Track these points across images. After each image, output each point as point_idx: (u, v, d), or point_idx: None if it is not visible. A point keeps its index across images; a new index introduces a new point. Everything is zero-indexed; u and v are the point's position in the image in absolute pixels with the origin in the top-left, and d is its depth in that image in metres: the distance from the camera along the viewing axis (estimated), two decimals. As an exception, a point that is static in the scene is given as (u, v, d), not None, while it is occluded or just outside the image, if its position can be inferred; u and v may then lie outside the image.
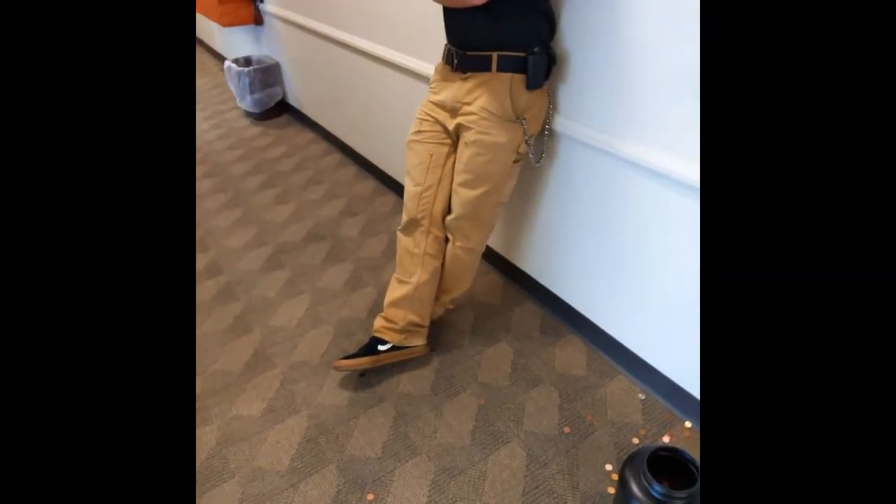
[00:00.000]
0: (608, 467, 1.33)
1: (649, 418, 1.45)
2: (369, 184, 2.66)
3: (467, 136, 1.32)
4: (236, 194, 2.61)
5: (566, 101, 1.41)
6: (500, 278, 1.97)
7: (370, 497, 1.29)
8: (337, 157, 2.94)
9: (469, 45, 1.26)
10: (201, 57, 4.87)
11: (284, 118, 3.45)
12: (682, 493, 1.05)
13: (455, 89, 1.31)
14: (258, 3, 3.14)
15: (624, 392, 1.53)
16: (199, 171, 2.86)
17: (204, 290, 1.97)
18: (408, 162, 1.46)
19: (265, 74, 3.26)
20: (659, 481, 1.07)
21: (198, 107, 3.69)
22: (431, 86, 1.41)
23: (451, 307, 1.81)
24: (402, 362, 1.61)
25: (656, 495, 1.05)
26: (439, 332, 1.73)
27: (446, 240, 1.52)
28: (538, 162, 1.52)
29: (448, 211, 1.47)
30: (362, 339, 1.63)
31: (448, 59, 1.33)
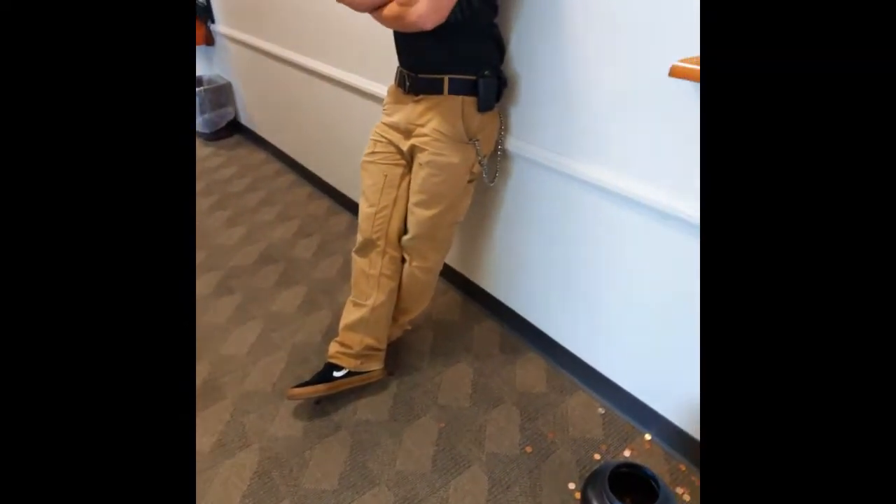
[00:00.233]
0: (571, 486, 1.33)
1: (610, 432, 1.46)
2: (323, 203, 2.62)
3: (421, 157, 1.31)
4: (184, 217, 2.51)
5: (518, 122, 1.43)
6: (459, 296, 1.96)
7: (328, 532, 1.24)
8: (290, 176, 2.89)
9: (421, 68, 1.26)
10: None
11: (236, 138, 3.36)
12: (643, 510, 1.05)
13: (408, 111, 1.31)
14: (209, 24, 3.08)
15: (584, 407, 1.54)
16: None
17: (148, 319, 1.87)
18: (362, 183, 1.44)
19: (216, 94, 3.19)
20: (621, 498, 1.07)
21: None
22: (384, 108, 1.41)
23: (408, 328, 1.78)
24: (359, 388, 1.56)
25: (618, 514, 1.04)
26: (397, 355, 1.70)
27: (403, 260, 1.51)
28: (492, 181, 1.53)
29: (404, 231, 1.45)
30: (317, 366, 1.58)
31: (400, 81, 1.33)
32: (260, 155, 3.14)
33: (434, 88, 1.25)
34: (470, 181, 1.40)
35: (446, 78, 1.23)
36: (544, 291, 1.61)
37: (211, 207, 2.60)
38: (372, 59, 1.89)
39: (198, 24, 3.06)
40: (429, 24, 1.08)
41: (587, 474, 1.24)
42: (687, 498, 1.31)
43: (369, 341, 1.51)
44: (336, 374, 1.50)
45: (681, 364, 1.29)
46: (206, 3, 3.00)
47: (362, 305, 1.49)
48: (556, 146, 1.36)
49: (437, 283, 1.61)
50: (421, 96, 1.28)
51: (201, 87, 3.13)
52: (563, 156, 1.35)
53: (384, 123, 1.39)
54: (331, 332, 1.78)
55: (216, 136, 3.31)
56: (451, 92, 1.24)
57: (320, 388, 1.48)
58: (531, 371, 1.65)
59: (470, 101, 1.26)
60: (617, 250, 1.33)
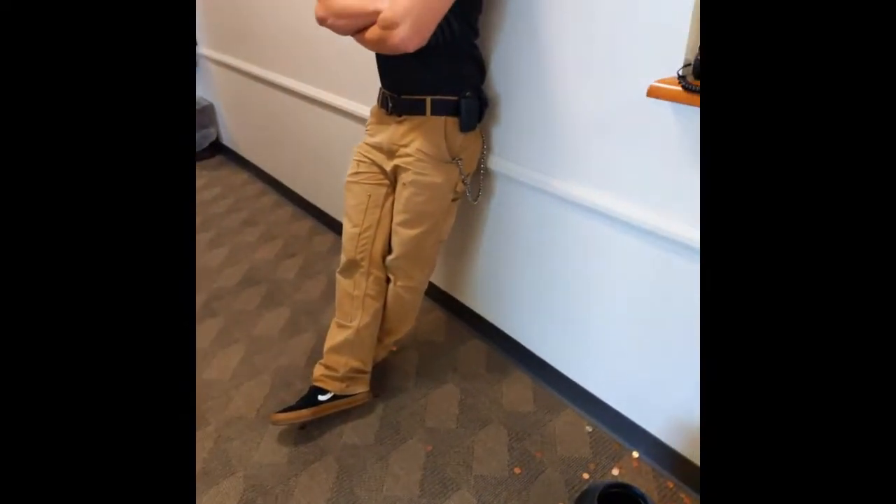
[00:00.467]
0: (560, 507, 1.31)
1: (598, 451, 1.45)
2: (306, 223, 2.60)
3: (405, 177, 1.32)
4: (165, 239, 2.48)
5: (500, 141, 1.44)
6: (444, 315, 1.95)
7: (313, 562, 1.20)
8: (273, 197, 2.87)
9: (403, 90, 1.27)
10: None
11: (218, 159, 3.34)
12: (633, 531, 1.04)
13: (391, 132, 1.31)
14: (195, 50, 3.08)
15: (571, 426, 1.53)
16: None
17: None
18: (346, 203, 1.43)
19: (199, 115, 3.17)
20: (610, 519, 1.06)
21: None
22: (367, 128, 1.41)
23: (394, 349, 1.77)
24: (345, 411, 1.54)
25: (608, 535, 1.03)
26: (383, 377, 1.68)
27: (387, 280, 1.50)
28: (475, 200, 1.53)
29: (388, 251, 1.44)
30: (301, 389, 1.56)
31: (383, 102, 1.34)
32: (242, 175, 3.12)
33: (417, 109, 1.26)
34: (454, 200, 1.41)
35: (428, 99, 1.24)
36: (529, 309, 1.61)
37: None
38: (354, 81, 1.90)
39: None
40: (411, 47, 1.09)
41: (576, 495, 1.23)
42: (677, 515, 1.30)
43: (354, 363, 1.49)
44: (321, 397, 1.48)
45: (667, 380, 1.29)
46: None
47: (347, 327, 1.47)
48: (537, 165, 1.37)
49: (422, 303, 1.60)
50: (404, 117, 1.28)
51: (183, 109, 3.11)
52: (545, 174, 1.36)
53: (367, 144, 1.39)
54: (315, 355, 1.75)
55: (199, 156, 3.28)
56: (433, 113, 1.25)
57: (305, 413, 1.45)
58: (518, 390, 1.64)
59: (452, 121, 1.27)
60: (600, 267, 1.34)
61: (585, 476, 1.39)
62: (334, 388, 1.48)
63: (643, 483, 1.37)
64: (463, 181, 1.37)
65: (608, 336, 1.40)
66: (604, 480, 1.34)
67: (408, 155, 1.29)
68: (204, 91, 3.24)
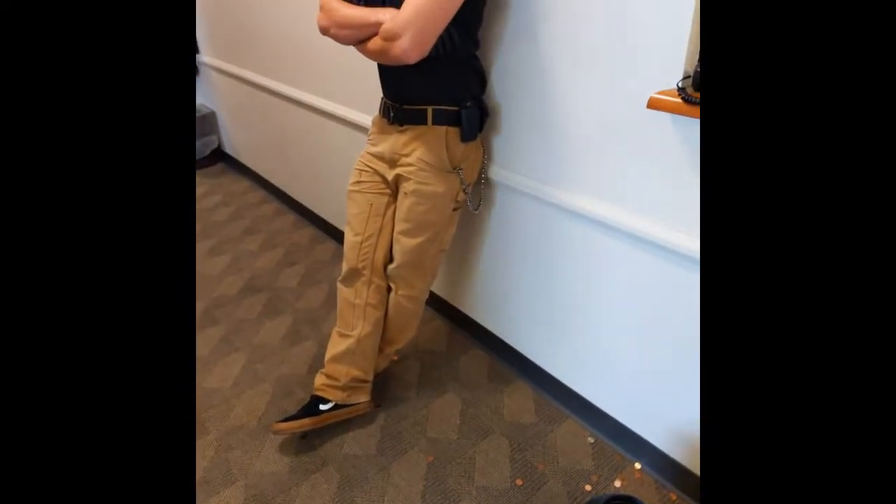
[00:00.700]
0: (562, 518, 1.31)
1: (600, 462, 1.45)
2: (308, 232, 2.60)
3: (406, 187, 1.32)
4: (166, 247, 2.48)
5: (500, 151, 1.45)
6: (446, 325, 1.95)
7: (313, 574, 1.20)
8: (274, 205, 2.87)
9: (405, 100, 1.27)
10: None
11: (220, 167, 3.35)
12: (636, 544, 1.03)
13: (392, 141, 1.32)
14: (195, 55, 3.09)
15: (573, 437, 1.52)
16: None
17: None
18: (348, 212, 1.44)
19: (201, 123, 3.19)
20: (612, 532, 1.05)
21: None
22: (370, 138, 1.41)
23: (395, 358, 1.76)
24: (346, 421, 1.53)
25: (610, 548, 1.03)
26: (384, 386, 1.67)
27: (388, 289, 1.49)
28: (476, 209, 1.53)
29: (390, 260, 1.44)
30: (303, 398, 1.55)
31: (384, 112, 1.34)
32: (244, 183, 3.13)
33: (418, 119, 1.26)
34: (455, 209, 1.41)
35: (430, 109, 1.24)
36: (530, 319, 1.61)
37: (196, 237, 2.57)
38: (356, 90, 1.91)
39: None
40: (412, 58, 1.10)
41: (579, 506, 1.22)
42: (680, 527, 1.29)
43: (356, 373, 1.48)
44: (322, 407, 1.47)
45: (669, 391, 1.29)
46: (190, 35, 3.03)
47: (348, 336, 1.47)
48: (538, 175, 1.37)
49: (423, 312, 1.59)
50: (405, 127, 1.29)
51: (185, 117, 3.13)
52: (546, 184, 1.36)
53: (369, 153, 1.40)
54: (316, 364, 1.75)
55: (200, 164, 3.29)
56: (434, 122, 1.25)
57: (306, 423, 1.45)
58: (519, 400, 1.64)
59: (453, 131, 1.27)
60: (601, 277, 1.34)
61: (588, 488, 1.38)
62: (336, 397, 1.48)
63: (646, 495, 1.36)
64: (464, 190, 1.37)
65: (610, 346, 1.40)
66: (606, 493, 1.34)
67: (409, 164, 1.29)
68: (206, 99, 3.25)
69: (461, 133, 1.27)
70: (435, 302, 1.97)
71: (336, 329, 1.50)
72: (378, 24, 1.10)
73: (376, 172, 1.38)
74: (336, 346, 1.49)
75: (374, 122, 1.41)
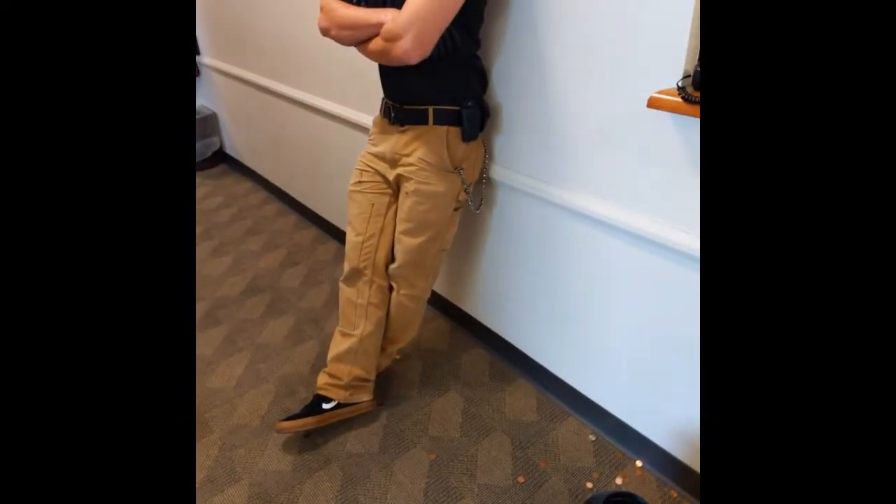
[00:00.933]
0: (564, 515, 1.31)
1: (601, 460, 1.45)
2: (310, 232, 2.61)
3: (407, 186, 1.33)
4: (169, 248, 2.49)
5: (502, 150, 1.46)
6: (447, 324, 1.96)
7: (317, 572, 1.20)
8: (276, 206, 2.88)
9: (406, 100, 1.28)
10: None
11: (221, 168, 3.36)
12: (637, 540, 1.04)
13: (393, 141, 1.33)
14: (195, 55, 3.11)
15: (575, 435, 1.53)
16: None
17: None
18: (349, 212, 1.44)
19: (202, 125, 3.20)
20: (614, 528, 1.06)
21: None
22: (370, 138, 1.42)
23: (397, 357, 1.77)
24: (349, 419, 1.54)
25: (612, 544, 1.03)
26: (387, 385, 1.68)
27: (390, 289, 1.50)
28: (478, 209, 1.54)
29: (391, 259, 1.45)
30: (306, 398, 1.56)
31: (385, 112, 1.35)
32: (246, 184, 3.14)
33: (419, 119, 1.27)
34: (456, 209, 1.42)
35: (431, 109, 1.25)
36: (532, 317, 1.61)
37: (198, 238, 2.58)
38: (357, 90, 1.92)
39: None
40: (413, 59, 1.10)
41: None
42: (681, 524, 1.30)
43: (358, 372, 1.49)
44: (325, 405, 1.48)
45: (669, 389, 1.29)
46: (192, 36, 3.04)
47: (350, 335, 1.48)
48: (539, 174, 1.38)
49: (425, 312, 1.60)
50: (406, 127, 1.29)
51: (187, 118, 3.14)
52: (547, 183, 1.37)
53: (370, 153, 1.40)
54: (319, 363, 1.76)
55: (202, 165, 3.31)
56: (435, 122, 1.26)
57: (309, 422, 1.46)
58: (521, 398, 1.64)
59: (454, 131, 1.28)
60: (602, 276, 1.35)
61: (589, 485, 1.38)
62: (338, 396, 1.49)
63: (647, 492, 1.36)
64: (465, 190, 1.38)
65: (611, 345, 1.41)
66: (607, 490, 1.34)
67: (410, 164, 1.30)
68: (207, 101, 3.26)
69: (462, 133, 1.28)
70: (436, 301, 1.97)
71: (338, 328, 1.51)
72: (379, 25, 1.10)
73: (377, 172, 1.39)
74: (338, 345, 1.50)
75: (374, 123, 1.42)
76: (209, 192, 3.05)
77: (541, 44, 1.24)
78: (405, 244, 1.39)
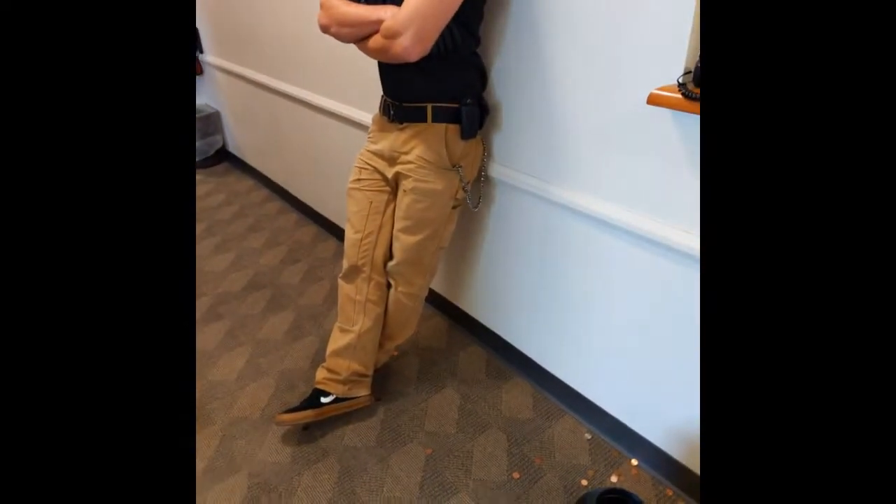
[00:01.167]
0: (558, 511, 1.32)
1: (596, 458, 1.46)
2: (310, 230, 2.63)
3: (406, 184, 1.34)
4: (171, 244, 2.51)
5: (500, 148, 1.47)
6: (445, 322, 1.97)
7: (313, 563, 1.22)
8: (277, 203, 2.90)
9: (405, 98, 1.29)
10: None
11: (224, 166, 3.39)
12: (629, 534, 1.04)
13: (392, 139, 1.34)
14: (198, 54, 3.13)
15: (570, 433, 1.53)
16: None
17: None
18: (348, 209, 1.46)
19: (205, 123, 3.22)
20: (606, 523, 1.06)
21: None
22: (369, 135, 1.43)
23: (395, 354, 1.78)
24: (347, 414, 1.56)
25: (604, 538, 1.04)
26: (384, 381, 1.69)
27: (388, 286, 1.52)
28: (476, 207, 1.55)
29: (389, 257, 1.46)
30: (305, 392, 1.58)
31: (385, 110, 1.36)
32: (248, 182, 3.16)
33: (418, 117, 1.28)
34: (454, 207, 1.43)
35: (430, 106, 1.26)
36: (529, 316, 1.62)
37: (200, 234, 2.60)
38: (357, 88, 1.93)
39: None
40: (413, 56, 1.11)
41: (574, 501, 1.24)
42: (674, 522, 1.30)
43: (356, 367, 1.50)
44: (323, 399, 1.50)
45: (666, 388, 1.30)
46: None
47: (349, 331, 1.49)
48: (538, 172, 1.39)
49: (423, 309, 1.61)
50: (405, 124, 1.31)
51: (191, 116, 3.16)
52: (546, 182, 1.38)
53: (369, 151, 1.42)
54: (318, 359, 1.77)
55: (205, 163, 3.33)
56: (434, 120, 1.27)
57: (308, 415, 1.47)
58: (517, 396, 1.65)
59: (453, 128, 1.29)
60: (600, 274, 1.36)
61: (584, 483, 1.39)
62: (336, 390, 1.50)
63: (642, 491, 1.37)
64: (463, 188, 1.39)
65: (608, 344, 1.41)
66: (601, 486, 1.35)
67: (409, 162, 1.31)
68: (210, 99, 3.29)
69: (461, 130, 1.29)
70: (434, 299, 1.99)
71: (337, 324, 1.53)
72: (379, 22, 1.12)
73: (376, 170, 1.40)
74: (337, 340, 1.51)
75: (374, 120, 1.43)
76: (211, 190, 3.07)
77: (541, 41, 1.25)
78: (403, 242, 1.40)
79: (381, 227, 1.42)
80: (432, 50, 1.13)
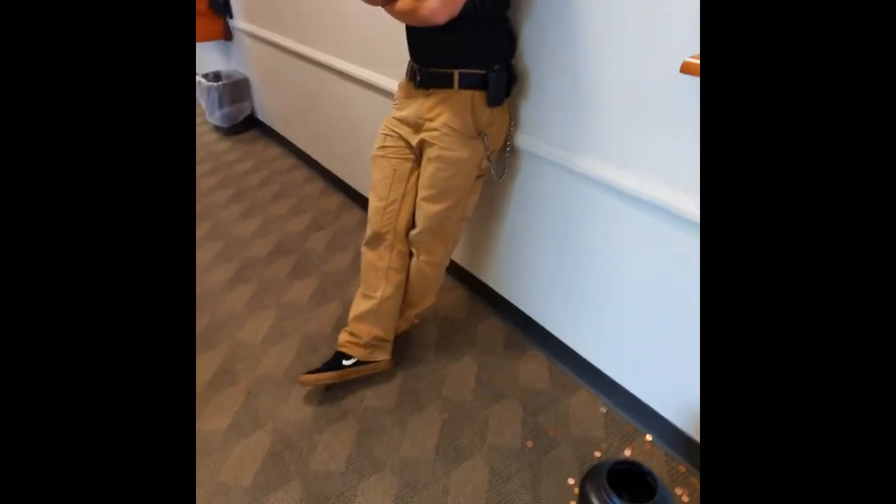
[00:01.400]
0: (570, 481, 1.34)
1: (611, 432, 1.47)
2: (336, 198, 2.65)
3: (430, 152, 1.34)
4: (203, 209, 2.57)
5: (527, 118, 1.45)
6: (466, 293, 1.98)
7: (331, 515, 1.27)
8: (304, 171, 2.93)
9: (431, 62, 1.28)
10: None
11: (252, 133, 3.42)
12: (639, 504, 1.06)
13: (418, 105, 1.33)
14: (228, 19, 3.14)
15: (586, 406, 1.55)
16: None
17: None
18: (372, 176, 1.47)
19: (234, 89, 3.24)
20: (619, 494, 1.08)
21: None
22: (395, 102, 1.43)
23: (415, 321, 1.81)
24: (367, 377, 1.60)
25: (614, 507, 1.06)
26: (404, 347, 1.72)
27: (410, 254, 1.53)
28: (500, 177, 1.54)
29: (412, 225, 1.47)
30: (327, 354, 1.62)
31: (411, 75, 1.35)
32: (275, 150, 3.19)
33: (444, 82, 1.27)
34: (478, 177, 1.42)
35: (456, 72, 1.25)
36: (549, 289, 1.62)
37: (228, 200, 2.65)
38: (386, 55, 1.92)
39: (216, 19, 3.12)
40: (441, 18, 1.10)
41: (585, 469, 1.26)
42: (686, 499, 1.31)
43: (377, 332, 1.53)
44: (345, 362, 1.54)
45: (683, 366, 1.29)
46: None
47: (371, 297, 1.52)
48: (565, 143, 1.37)
49: (444, 280, 1.63)
50: (431, 90, 1.30)
51: (219, 82, 3.19)
52: (573, 153, 1.36)
53: (394, 118, 1.41)
54: (340, 323, 1.81)
55: (234, 130, 3.37)
56: (461, 86, 1.26)
57: (330, 376, 1.52)
58: (534, 368, 1.67)
59: (480, 95, 1.27)
60: (624, 249, 1.34)
61: (597, 454, 1.41)
62: (358, 353, 1.54)
63: (655, 465, 1.38)
64: (488, 158, 1.38)
65: (627, 319, 1.41)
66: (614, 457, 1.37)
67: (434, 129, 1.30)
68: (239, 65, 3.31)
69: (487, 97, 1.27)
70: (455, 270, 2.00)
71: (360, 290, 1.55)
72: (407, -16, 1.10)
73: (401, 137, 1.40)
74: (359, 306, 1.54)
75: (400, 87, 1.42)
76: (240, 157, 3.12)
77: (573, 6, 1.21)
78: (426, 210, 1.40)
79: (404, 195, 1.43)
80: (461, 12, 1.11)
